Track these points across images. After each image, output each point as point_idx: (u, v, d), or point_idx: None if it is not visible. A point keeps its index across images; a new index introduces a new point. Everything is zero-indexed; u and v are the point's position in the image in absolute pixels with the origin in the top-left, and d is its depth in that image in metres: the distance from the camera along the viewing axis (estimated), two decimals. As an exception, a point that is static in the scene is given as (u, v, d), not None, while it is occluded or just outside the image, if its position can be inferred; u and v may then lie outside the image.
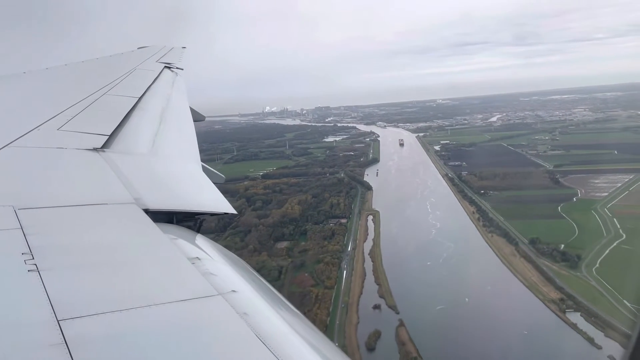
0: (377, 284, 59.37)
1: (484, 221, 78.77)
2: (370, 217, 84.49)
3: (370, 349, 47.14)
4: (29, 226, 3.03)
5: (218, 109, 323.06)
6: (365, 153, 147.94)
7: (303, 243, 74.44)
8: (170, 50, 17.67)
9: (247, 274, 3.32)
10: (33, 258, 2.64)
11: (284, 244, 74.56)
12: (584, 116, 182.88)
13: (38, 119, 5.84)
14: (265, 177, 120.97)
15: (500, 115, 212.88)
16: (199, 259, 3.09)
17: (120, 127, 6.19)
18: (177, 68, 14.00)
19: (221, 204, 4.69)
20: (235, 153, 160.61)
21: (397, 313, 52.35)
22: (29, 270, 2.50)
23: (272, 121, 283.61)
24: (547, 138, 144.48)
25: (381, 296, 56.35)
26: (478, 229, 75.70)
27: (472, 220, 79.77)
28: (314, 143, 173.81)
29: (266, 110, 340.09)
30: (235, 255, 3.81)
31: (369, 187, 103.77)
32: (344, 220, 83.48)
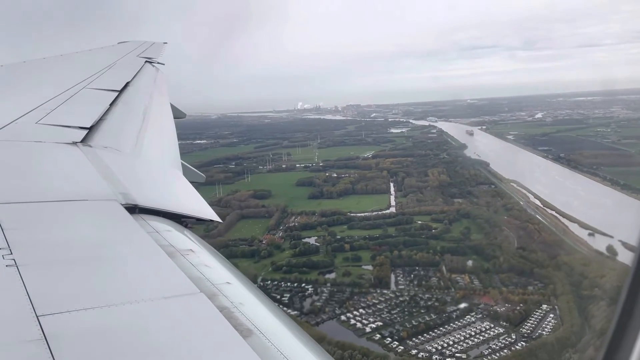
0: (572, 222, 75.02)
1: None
2: (513, 184, 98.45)
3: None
4: (7, 221, 2.99)
5: (238, 106, 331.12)
6: (445, 141, 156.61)
7: (475, 200, 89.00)
8: (151, 45, 17.74)
9: (234, 269, 3.32)
10: (11, 253, 2.62)
11: (459, 200, 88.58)
12: (627, 113, 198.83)
13: (16, 112, 5.82)
14: (375, 157, 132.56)
15: (544, 113, 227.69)
16: (193, 251, 3.19)
17: (100, 121, 6.22)
18: (158, 63, 14.12)
19: (205, 211, 4.69)
20: (319, 140, 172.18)
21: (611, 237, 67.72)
22: (7, 266, 2.49)
23: (313, 116, 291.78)
24: (609, 130, 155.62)
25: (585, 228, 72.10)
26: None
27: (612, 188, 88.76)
28: (383, 134, 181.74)
29: (299, 107, 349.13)
30: (217, 251, 3.75)
31: (485, 163, 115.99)
32: (492, 186, 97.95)
